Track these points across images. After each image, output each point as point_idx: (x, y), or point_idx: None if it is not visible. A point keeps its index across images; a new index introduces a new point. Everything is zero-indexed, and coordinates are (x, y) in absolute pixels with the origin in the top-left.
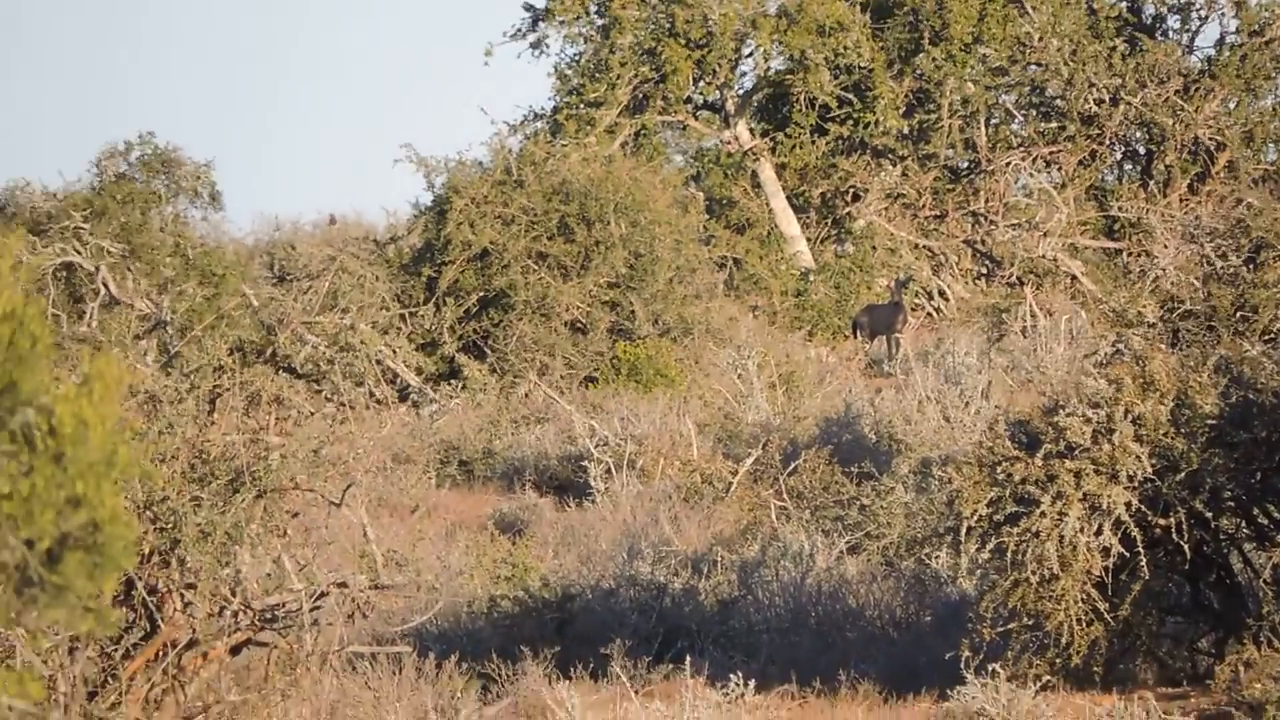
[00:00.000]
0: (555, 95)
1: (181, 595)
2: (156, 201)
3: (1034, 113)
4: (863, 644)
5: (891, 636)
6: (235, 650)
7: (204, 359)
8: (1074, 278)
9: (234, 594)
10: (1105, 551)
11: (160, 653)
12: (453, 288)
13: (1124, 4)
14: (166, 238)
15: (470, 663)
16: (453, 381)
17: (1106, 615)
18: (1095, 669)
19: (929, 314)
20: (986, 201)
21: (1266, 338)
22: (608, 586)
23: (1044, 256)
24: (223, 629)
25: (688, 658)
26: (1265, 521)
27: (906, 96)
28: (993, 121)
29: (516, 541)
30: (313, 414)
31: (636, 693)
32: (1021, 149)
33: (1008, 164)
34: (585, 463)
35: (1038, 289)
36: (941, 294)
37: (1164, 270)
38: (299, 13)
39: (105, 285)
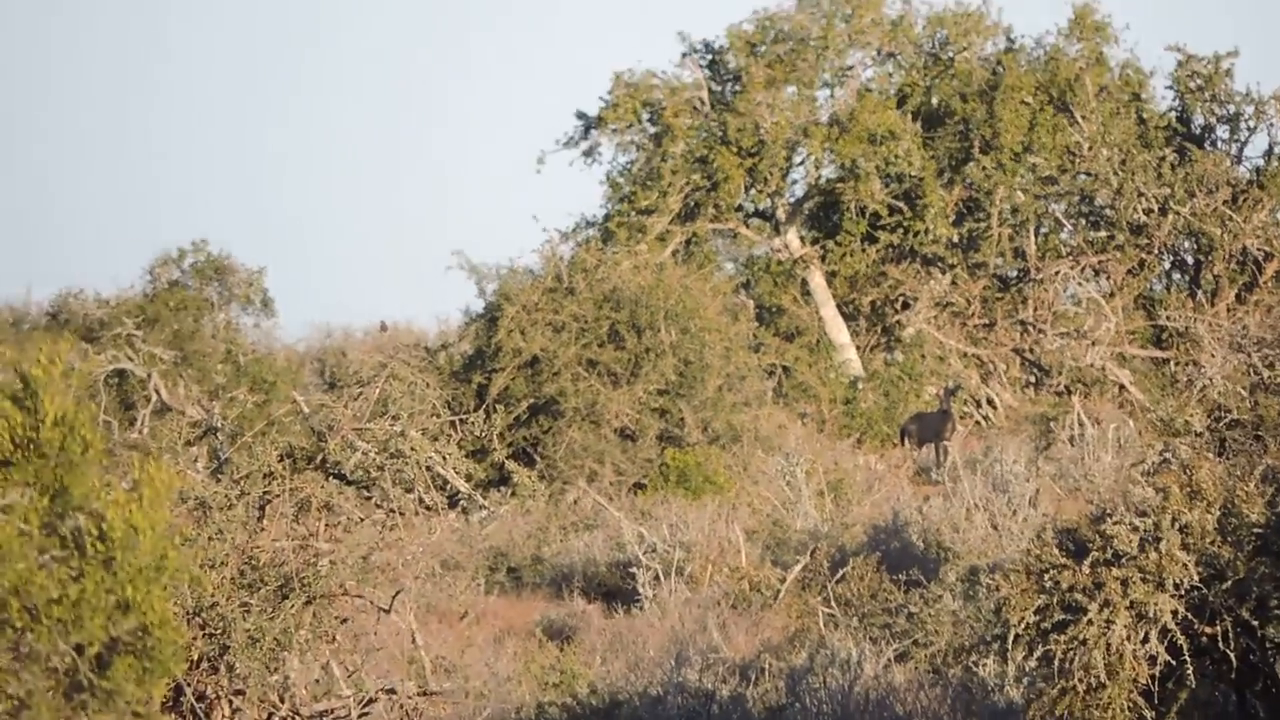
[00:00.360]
0: (607, 202)
1: (230, 701)
2: (209, 308)
3: (1083, 221)
4: None
5: None
6: None
7: (254, 465)
8: (1122, 386)
9: (283, 700)
10: (1152, 660)
11: None
12: (503, 394)
13: (1173, 114)
14: (218, 344)
15: None
16: (502, 488)
17: None
18: None
19: (977, 422)
20: (1035, 310)
21: None
22: (655, 693)
23: (1092, 365)
24: None
25: None
26: None
27: (956, 205)
28: (1042, 230)
29: (564, 648)
30: (362, 520)
31: None
32: (1070, 258)
33: (1056, 273)
34: (633, 569)
35: (1085, 397)
36: (990, 402)
37: (1211, 379)
38: (353, 119)
39: (157, 391)
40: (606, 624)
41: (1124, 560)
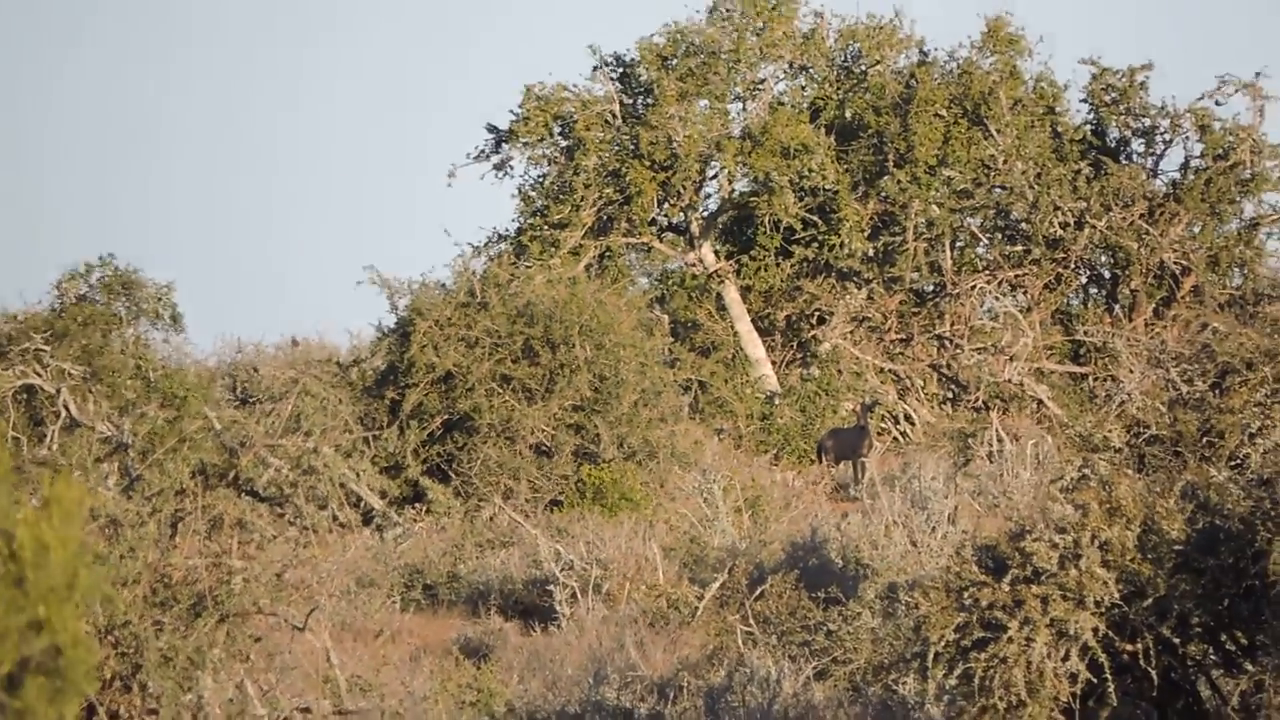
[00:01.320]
0: (519, 217)
1: None
2: (117, 323)
3: (999, 236)
4: None
5: None
6: None
7: (166, 482)
8: (1040, 402)
9: (196, 719)
10: (1073, 677)
11: None
12: (416, 410)
13: (1088, 127)
14: (128, 360)
15: None
16: (417, 505)
17: None
18: None
19: (895, 438)
20: (952, 325)
21: (1233, 463)
22: (573, 712)
23: (1010, 381)
24: None
25: None
26: (1233, 648)
27: (871, 219)
28: (958, 244)
29: (481, 666)
30: (276, 538)
31: None
32: (987, 272)
33: (973, 287)
34: (550, 587)
35: (1004, 413)
36: (907, 418)
37: (1130, 395)
38: (261, 132)
39: (66, 407)
40: (524, 642)
41: (1044, 577)
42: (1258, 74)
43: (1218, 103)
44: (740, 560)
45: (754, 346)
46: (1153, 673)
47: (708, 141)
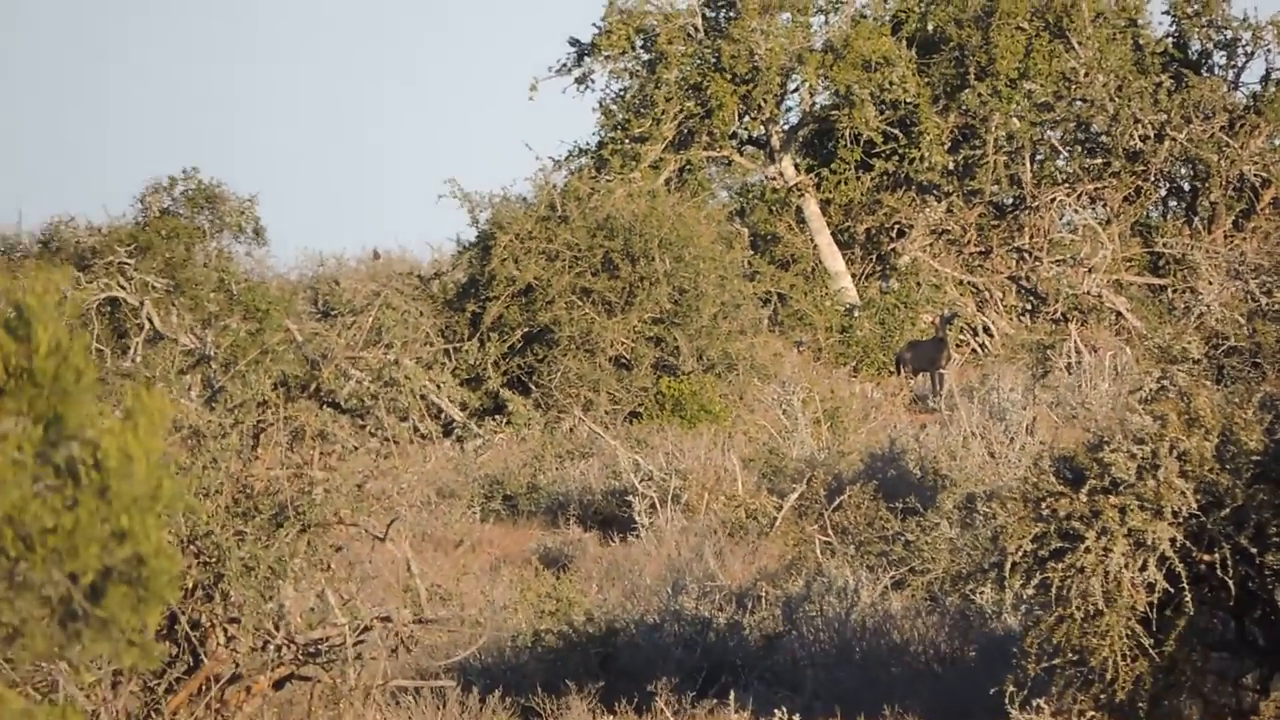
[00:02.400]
0: (600, 130)
1: (225, 629)
2: (201, 237)
3: (1079, 149)
4: (907, 680)
5: (936, 672)
6: (279, 685)
7: (248, 394)
8: (1119, 314)
9: (277, 628)
10: (1150, 587)
11: (203, 687)
12: (497, 323)
13: (1170, 39)
14: (211, 273)
15: (514, 697)
16: (497, 417)
17: (1151, 651)
18: (1140, 705)
19: (974, 350)
20: (1031, 238)
21: None
22: (652, 621)
23: (1089, 293)
24: (266, 663)
25: (732, 693)
26: None
27: (952, 132)
28: (1038, 157)
29: (561, 576)
30: (357, 449)
31: None
32: (1066, 185)
33: (1053, 200)
34: (629, 498)
35: (1082, 325)
36: (986, 330)
37: (1209, 306)
38: (344, 49)
39: (149, 320)
40: (603, 552)
41: (1121, 488)
42: None
43: None
44: (818, 471)
45: (833, 259)
46: (1230, 582)
47: (789, 55)
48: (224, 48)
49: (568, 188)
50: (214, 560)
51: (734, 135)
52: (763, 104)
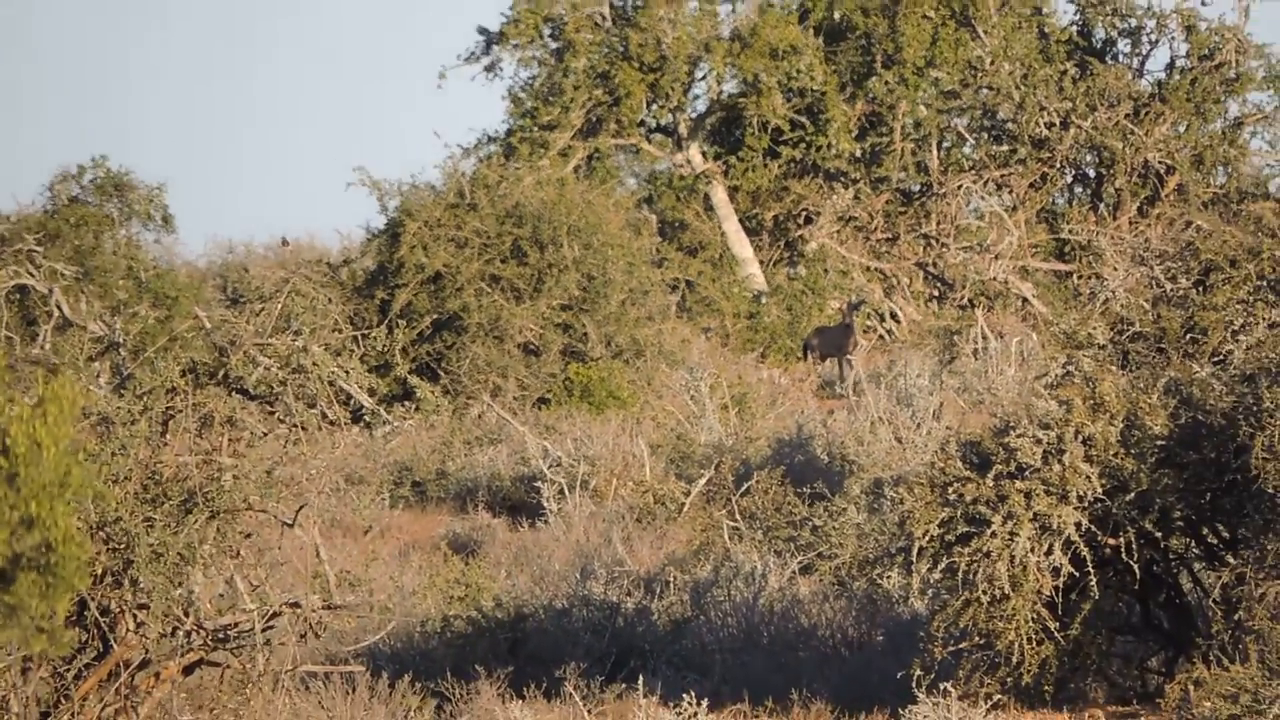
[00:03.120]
0: (509, 118)
1: (134, 616)
2: (109, 225)
3: (985, 136)
4: (815, 663)
5: (844, 656)
6: (188, 670)
7: (157, 381)
8: (1025, 300)
9: (187, 614)
10: (1055, 571)
11: (113, 673)
12: (406, 310)
13: (1075, 28)
14: (120, 260)
15: (424, 682)
16: (406, 403)
17: (1057, 634)
18: (1046, 688)
19: (881, 336)
20: (938, 224)
21: (1215, 359)
22: (561, 606)
23: (995, 279)
24: (175, 649)
25: (641, 677)
26: (1214, 541)
27: (859, 120)
28: (944, 145)
29: (470, 562)
30: (265, 435)
31: (590, 712)
32: (973, 172)
33: (959, 187)
34: (538, 483)
35: (989, 311)
36: (893, 316)
37: (1114, 292)
38: (252, 36)
39: (59, 308)
40: (511, 537)
41: (1027, 473)
42: None
43: (1203, 3)
44: (726, 457)
45: (741, 246)
46: (1135, 566)
47: (696, 43)
48: (132, 34)
49: (476, 175)
50: (123, 547)
51: (642, 123)
52: (670, 92)
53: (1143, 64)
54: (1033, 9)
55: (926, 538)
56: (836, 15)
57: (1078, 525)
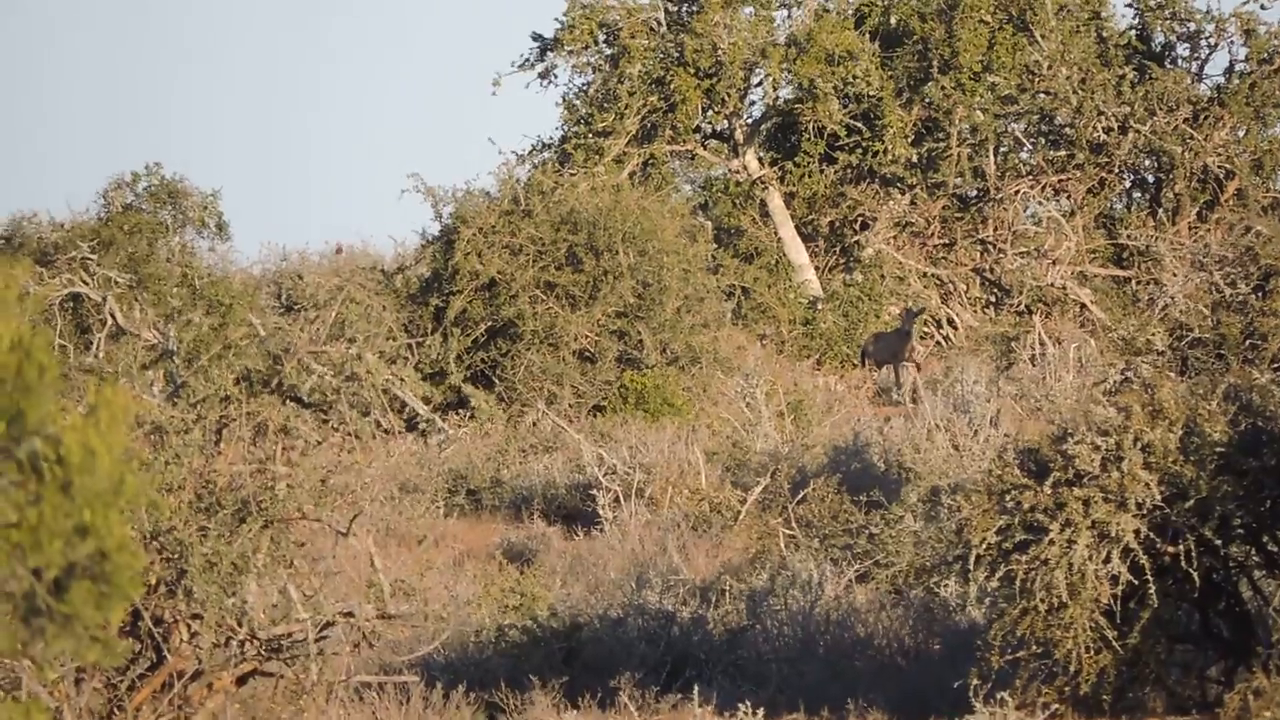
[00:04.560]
0: (563, 125)
1: (188, 625)
2: (163, 232)
3: (1043, 141)
4: (871, 673)
5: (900, 665)
6: (241, 681)
7: (210, 389)
8: (1083, 306)
9: (240, 624)
10: (1114, 579)
11: (166, 684)
12: (460, 317)
13: (1133, 32)
14: (173, 268)
15: (478, 692)
16: (460, 411)
17: (1115, 643)
18: (1104, 697)
19: (937, 342)
20: (995, 230)
21: (1275, 365)
22: (616, 615)
23: (1053, 284)
24: (229, 659)
25: (696, 687)
26: (1274, 549)
27: (915, 125)
28: (1001, 150)
29: (524, 571)
30: (319, 443)
31: None
32: (1030, 177)
33: (1016, 192)
34: (593, 491)
35: (1046, 317)
36: (950, 322)
37: (1173, 298)
38: (306, 42)
39: (112, 315)
40: (566, 546)
41: (1086, 480)
42: None
43: (1263, 6)
44: (783, 464)
45: (797, 252)
46: (1194, 574)
47: (752, 48)
48: (189, 42)
49: (531, 182)
50: (177, 556)
51: (697, 129)
52: (726, 98)
53: (1201, 68)
54: (1091, 13)
55: (984, 545)
56: (893, 20)
57: (1136, 533)
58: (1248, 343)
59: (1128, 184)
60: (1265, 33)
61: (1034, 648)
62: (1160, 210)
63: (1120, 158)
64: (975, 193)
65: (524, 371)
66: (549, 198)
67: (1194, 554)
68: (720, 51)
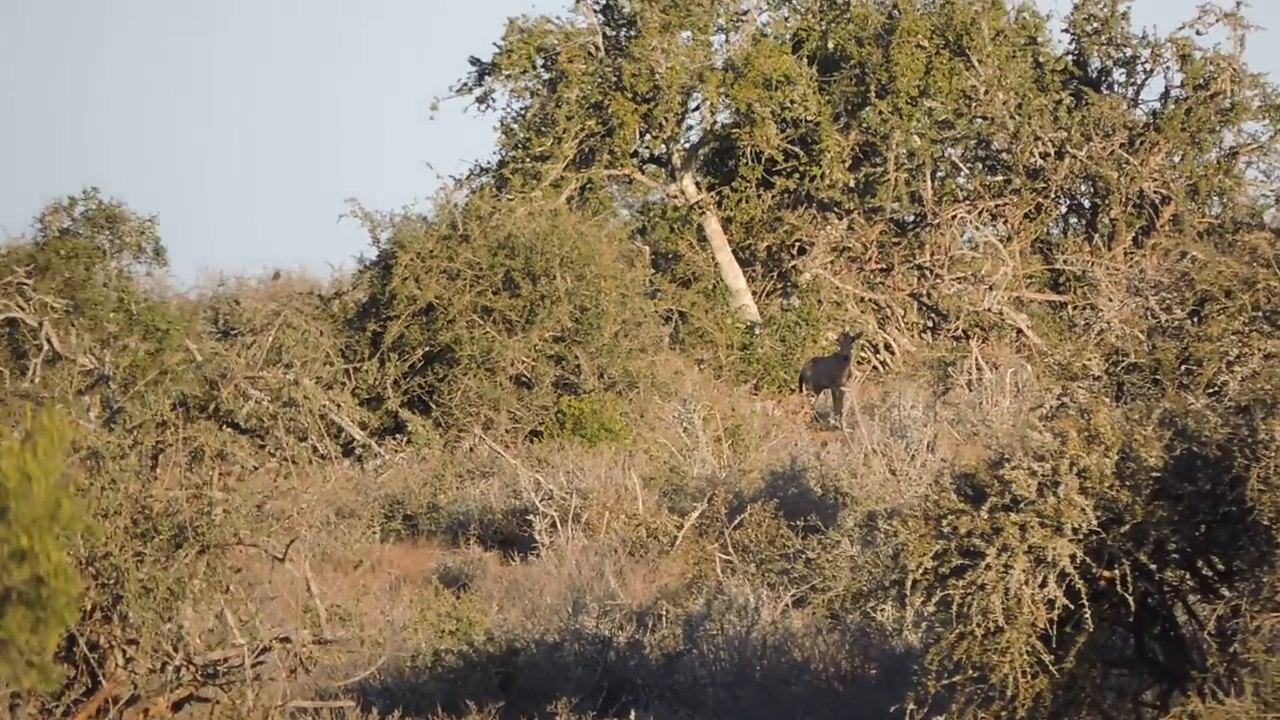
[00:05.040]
0: (501, 149)
1: (123, 651)
2: (100, 257)
3: (979, 166)
4: (808, 698)
5: (837, 690)
6: (177, 706)
7: (147, 414)
8: (1019, 331)
9: (176, 649)
10: (1050, 604)
11: (102, 709)
12: (397, 342)
13: (1070, 57)
14: (110, 293)
15: (414, 717)
16: (397, 436)
17: (1051, 667)
18: None
19: (875, 367)
20: (932, 255)
21: (1210, 391)
22: (553, 640)
23: (989, 310)
24: (165, 685)
25: (633, 712)
26: (1209, 573)
27: (852, 150)
28: (938, 175)
29: (461, 596)
30: (256, 469)
31: None
32: (967, 202)
33: (953, 217)
34: (530, 517)
35: (983, 342)
36: (887, 347)
37: (1109, 323)
38: (245, 66)
39: (48, 341)
40: (503, 571)
41: (1022, 505)
42: (1238, 3)
43: (1198, 32)
44: (719, 489)
45: (735, 277)
46: (1129, 599)
47: (690, 73)
48: (127, 66)
49: (469, 206)
50: (113, 581)
51: (635, 153)
52: (664, 122)
53: (1138, 93)
54: (1027, 38)
55: (920, 570)
56: (830, 45)
57: (1072, 557)
58: (1183, 368)
59: (1064, 209)
60: (1201, 58)
61: (970, 672)
62: (1096, 235)
63: (1057, 183)
64: (912, 218)
65: (461, 396)
66: (486, 222)
67: (1129, 579)
68: (658, 76)
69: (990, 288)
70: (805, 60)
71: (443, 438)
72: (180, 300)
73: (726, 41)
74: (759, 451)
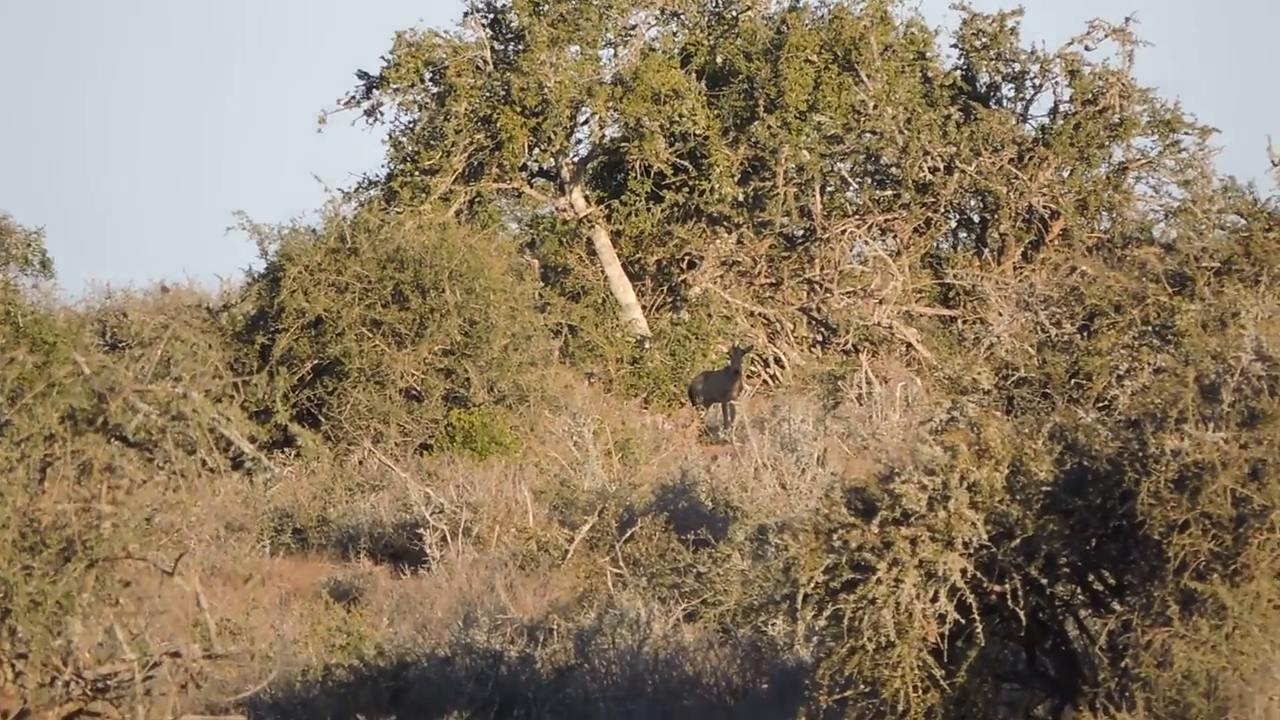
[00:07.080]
0: (389, 162)
1: (12, 665)
2: None
3: (869, 180)
4: (700, 712)
5: (728, 704)
6: None
7: (34, 427)
8: (909, 345)
9: (65, 664)
10: (941, 618)
11: None
12: (286, 356)
13: (959, 72)
14: None
15: None
16: (286, 449)
17: (943, 682)
18: None
19: (765, 381)
20: (822, 269)
21: (1100, 405)
22: (443, 655)
23: (879, 324)
24: (54, 699)
25: None
26: (1100, 588)
27: (742, 164)
28: (828, 189)
29: (351, 610)
30: (145, 482)
31: None
32: (857, 216)
33: (843, 231)
34: (420, 530)
35: (873, 356)
36: (777, 361)
37: (998, 337)
38: (129, 78)
39: None
40: (394, 585)
41: (912, 519)
42: (1127, 19)
43: (1087, 48)
44: (610, 503)
45: (624, 291)
46: (1021, 613)
47: (579, 87)
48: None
49: (357, 220)
50: (1, 595)
51: (524, 167)
52: (553, 136)
53: (1027, 109)
54: (916, 53)
55: (811, 584)
56: (719, 60)
57: (963, 572)
58: (1073, 382)
59: (953, 224)
60: (1089, 73)
61: (862, 686)
62: (986, 250)
63: (946, 197)
64: (802, 232)
65: (350, 410)
66: (375, 235)
67: (1020, 593)
68: (546, 90)
69: (880, 302)
70: (694, 75)
71: (332, 451)
72: (68, 313)
73: (615, 56)
74: (649, 465)
